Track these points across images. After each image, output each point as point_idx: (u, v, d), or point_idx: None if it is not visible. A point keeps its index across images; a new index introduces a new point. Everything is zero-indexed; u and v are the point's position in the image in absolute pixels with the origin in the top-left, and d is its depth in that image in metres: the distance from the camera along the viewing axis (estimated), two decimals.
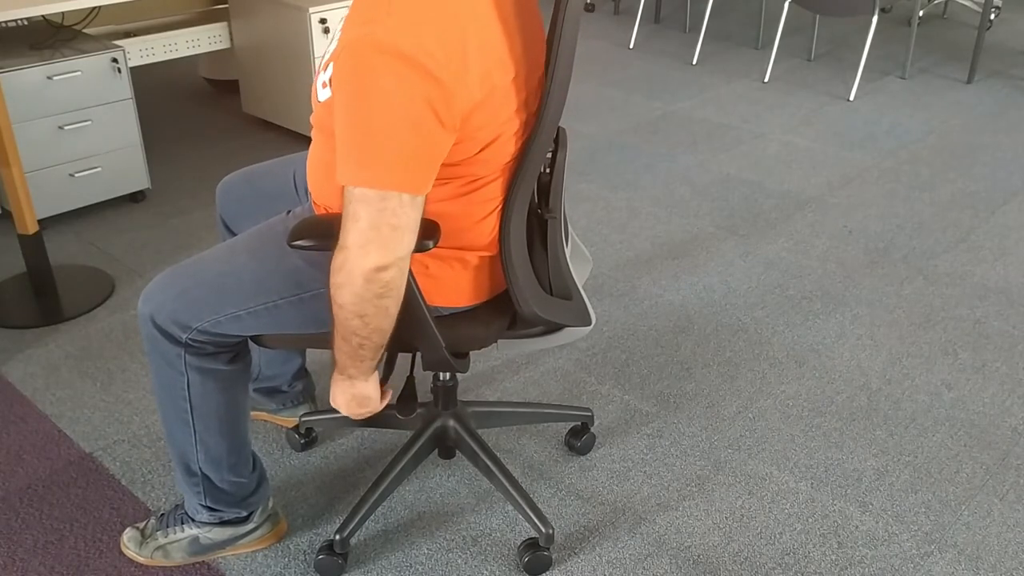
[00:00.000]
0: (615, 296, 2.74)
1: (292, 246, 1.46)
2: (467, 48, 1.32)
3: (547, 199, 1.66)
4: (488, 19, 1.36)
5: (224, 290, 1.57)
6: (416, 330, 1.55)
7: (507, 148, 1.47)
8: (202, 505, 1.75)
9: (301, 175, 1.83)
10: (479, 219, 1.53)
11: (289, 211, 1.69)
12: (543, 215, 1.64)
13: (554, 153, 1.65)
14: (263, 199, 1.86)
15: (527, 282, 1.59)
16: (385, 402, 1.58)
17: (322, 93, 1.46)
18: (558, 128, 1.64)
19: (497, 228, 1.56)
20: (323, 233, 1.48)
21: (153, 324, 1.58)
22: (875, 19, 4.35)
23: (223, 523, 1.78)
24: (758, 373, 2.41)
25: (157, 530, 1.80)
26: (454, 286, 1.58)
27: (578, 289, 1.70)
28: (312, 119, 1.56)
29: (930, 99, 4.40)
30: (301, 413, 2.15)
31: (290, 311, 1.57)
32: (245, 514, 1.80)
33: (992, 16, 5.21)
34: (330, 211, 1.57)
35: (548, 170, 1.65)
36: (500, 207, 1.54)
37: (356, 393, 1.53)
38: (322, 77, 1.46)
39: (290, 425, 2.16)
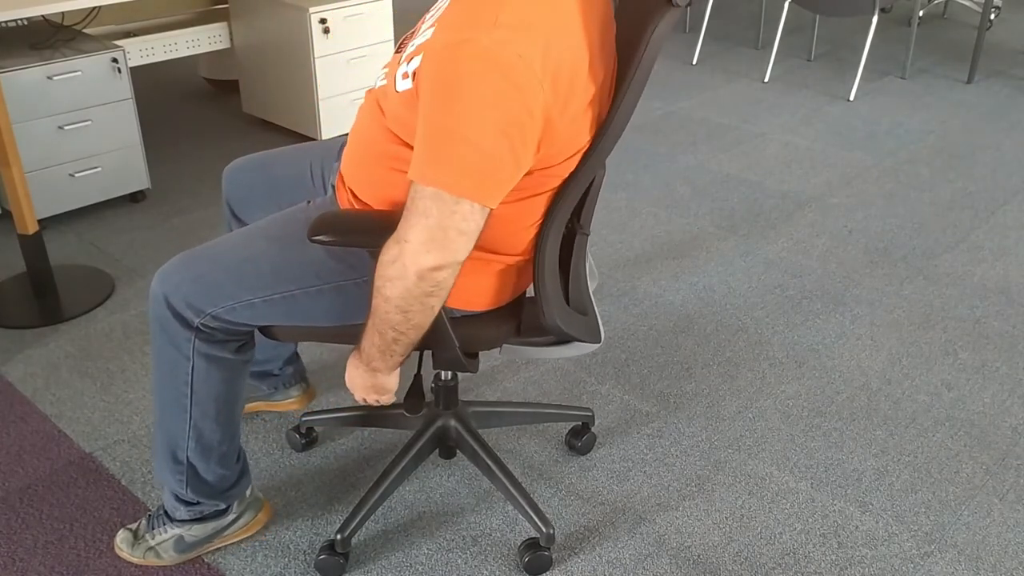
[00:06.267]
0: (615, 296, 2.74)
1: (312, 240, 1.45)
2: (563, 70, 1.31)
3: (579, 215, 1.66)
4: (579, 37, 1.34)
5: (242, 276, 1.56)
6: (431, 330, 1.55)
7: (574, 163, 1.47)
8: (180, 500, 1.74)
9: (319, 166, 1.82)
10: (524, 227, 1.53)
11: (309, 201, 1.68)
12: (575, 230, 1.64)
13: None
14: (276, 187, 1.84)
15: (554, 294, 1.59)
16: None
17: (401, 83, 1.43)
18: None
19: (534, 238, 1.55)
20: (345, 229, 1.48)
21: (166, 305, 1.56)
22: (875, 19, 4.35)
23: (202, 518, 1.78)
24: (758, 373, 2.41)
25: (146, 531, 1.80)
26: (475, 289, 1.58)
27: (593, 305, 1.70)
28: (369, 103, 1.53)
29: (930, 99, 4.40)
30: (294, 395, 2.19)
31: (307, 302, 1.56)
32: (224, 507, 1.80)
33: (992, 16, 5.21)
34: (359, 197, 1.56)
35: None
36: (542, 219, 1.53)
37: (376, 384, 1.54)
38: (404, 68, 1.42)
39: (285, 410, 2.19)
